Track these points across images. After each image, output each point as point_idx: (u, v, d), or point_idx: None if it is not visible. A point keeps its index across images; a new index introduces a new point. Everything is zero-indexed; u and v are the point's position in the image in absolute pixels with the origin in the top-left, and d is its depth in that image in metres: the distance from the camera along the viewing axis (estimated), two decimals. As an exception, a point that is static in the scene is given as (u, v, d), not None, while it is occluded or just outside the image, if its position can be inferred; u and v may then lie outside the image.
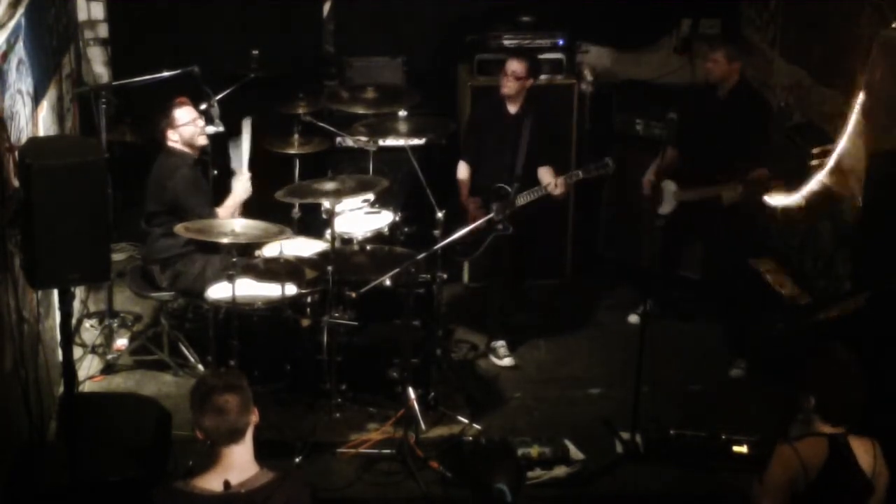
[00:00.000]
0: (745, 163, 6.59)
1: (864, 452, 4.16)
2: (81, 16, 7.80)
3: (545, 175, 6.82)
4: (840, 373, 4.17)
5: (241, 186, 6.57)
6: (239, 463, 3.73)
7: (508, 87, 6.78)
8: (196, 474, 3.78)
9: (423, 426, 6.06)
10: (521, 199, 6.70)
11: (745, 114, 6.67)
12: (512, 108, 6.86)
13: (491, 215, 6.60)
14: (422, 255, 5.97)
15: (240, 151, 6.73)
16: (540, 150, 6.87)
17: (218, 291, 6.19)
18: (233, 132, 6.72)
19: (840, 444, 4.14)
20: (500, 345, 6.89)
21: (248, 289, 6.07)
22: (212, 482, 3.69)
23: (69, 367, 4.90)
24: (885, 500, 4.21)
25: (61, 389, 5.65)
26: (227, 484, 3.65)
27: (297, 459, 5.73)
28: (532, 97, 6.87)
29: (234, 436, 3.72)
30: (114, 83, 7.18)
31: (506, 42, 7.67)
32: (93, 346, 6.77)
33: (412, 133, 6.61)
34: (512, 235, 6.69)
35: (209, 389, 3.72)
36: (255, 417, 3.78)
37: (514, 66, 6.77)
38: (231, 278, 5.85)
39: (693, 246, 7.21)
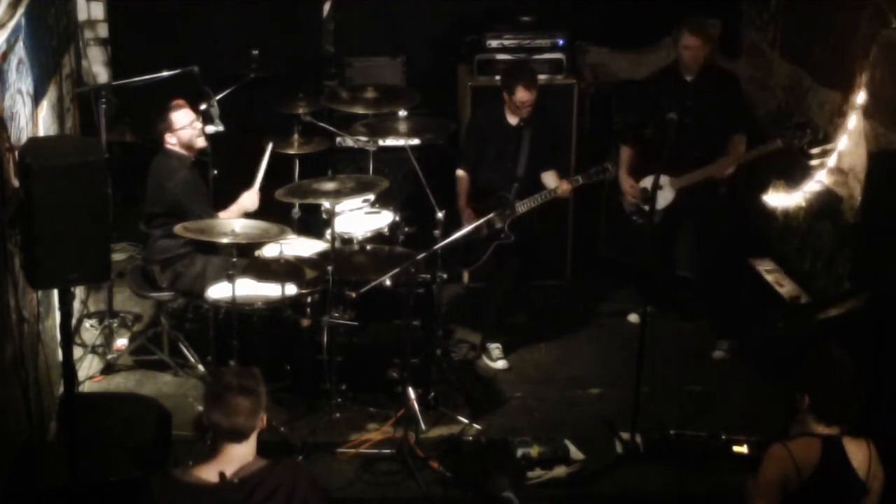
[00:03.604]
0: (731, 136, 6.73)
1: (858, 453, 4.17)
2: (81, 16, 7.80)
3: (550, 179, 6.81)
4: (834, 373, 4.17)
5: (249, 199, 6.58)
6: (237, 457, 3.77)
7: (527, 112, 6.73)
8: (196, 464, 3.82)
9: (423, 426, 6.07)
10: (527, 205, 6.69)
11: (719, 90, 6.78)
12: (512, 118, 6.84)
13: (490, 216, 6.59)
14: (422, 256, 5.97)
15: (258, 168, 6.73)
16: (541, 156, 6.86)
17: (218, 291, 6.20)
18: (233, 135, 6.71)
19: (834, 444, 4.15)
20: (495, 346, 6.89)
21: (248, 289, 6.07)
22: (209, 473, 3.74)
23: (69, 367, 4.90)
24: (881, 501, 4.21)
25: (61, 389, 5.65)
26: (222, 475, 3.71)
27: (297, 459, 5.73)
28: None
29: (236, 436, 3.76)
30: (114, 83, 7.18)
31: (506, 42, 7.68)
32: (93, 346, 6.77)
33: (412, 133, 6.61)
34: (514, 242, 6.69)
35: (225, 387, 3.76)
36: (262, 424, 3.81)
37: (530, 96, 6.66)
38: (231, 278, 5.85)
39: (691, 245, 7.21)
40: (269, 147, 6.72)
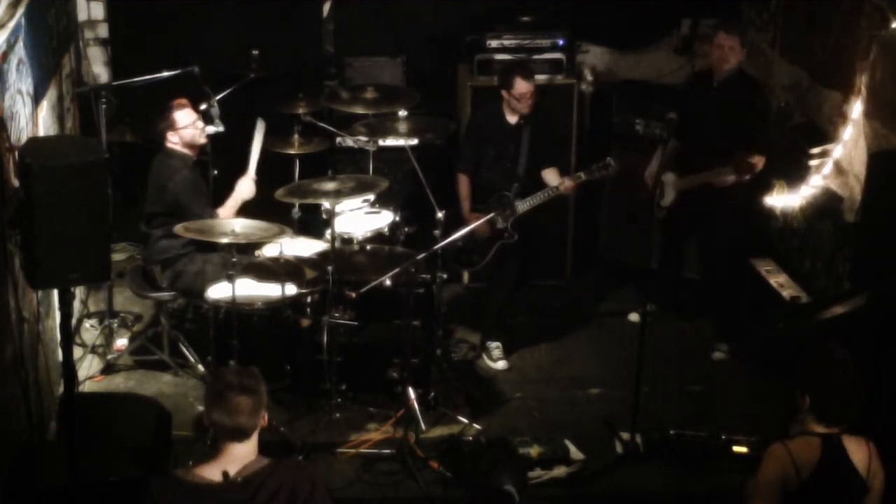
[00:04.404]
0: (742, 147, 6.60)
1: (858, 452, 4.17)
2: (81, 16, 7.80)
3: (551, 176, 6.81)
4: (836, 373, 4.17)
5: (245, 187, 6.57)
6: (240, 456, 3.78)
7: (527, 106, 6.71)
8: (198, 464, 3.83)
9: (423, 426, 6.06)
10: (529, 203, 6.68)
11: (742, 99, 6.68)
12: (511, 117, 6.84)
13: (491, 216, 6.59)
14: (422, 255, 5.98)
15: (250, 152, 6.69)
16: (541, 154, 6.85)
17: (218, 291, 6.20)
18: (233, 135, 6.71)
19: (833, 443, 4.15)
20: (495, 346, 6.89)
21: (248, 289, 6.07)
22: (211, 472, 3.75)
23: (69, 367, 4.90)
24: (882, 500, 4.21)
25: (61, 389, 5.65)
26: (225, 474, 3.72)
27: (297, 459, 5.73)
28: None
29: (239, 435, 3.77)
30: (114, 83, 7.17)
31: (506, 42, 7.68)
32: (93, 346, 6.77)
33: (412, 133, 6.60)
34: (517, 242, 6.69)
35: (226, 386, 3.77)
36: (263, 422, 3.83)
37: (529, 87, 6.64)
38: (231, 278, 5.85)
39: (693, 246, 7.22)
40: (261, 126, 6.67)
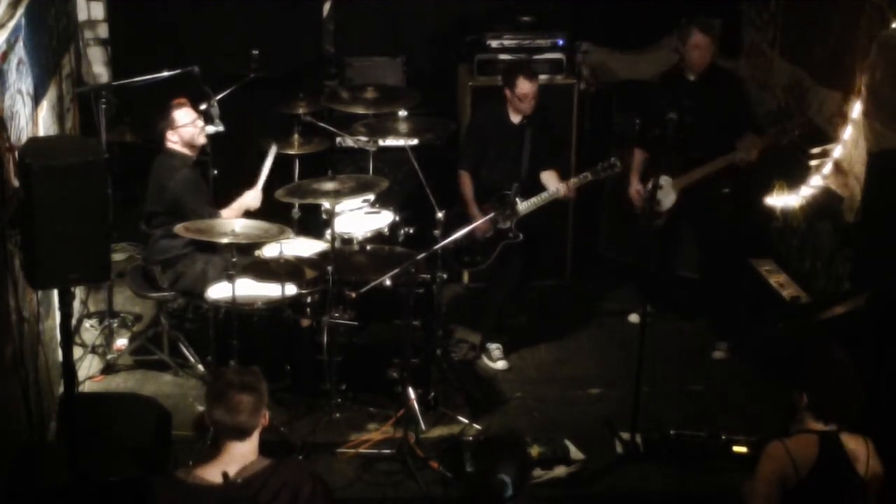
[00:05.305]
0: (737, 131, 6.71)
1: (856, 450, 4.17)
2: (81, 16, 7.80)
3: (550, 179, 6.80)
4: (835, 372, 4.18)
5: (252, 196, 6.56)
6: (240, 456, 3.79)
7: (530, 106, 6.72)
8: (198, 464, 3.83)
9: (423, 426, 6.07)
10: (528, 206, 6.68)
11: (720, 90, 6.79)
12: (514, 117, 6.84)
13: (491, 215, 6.59)
14: (422, 255, 5.98)
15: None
16: (543, 154, 6.86)
17: (218, 291, 6.20)
18: (233, 135, 6.71)
19: (832, 441, 4.15)
20: (495, 347, 6.89)
21: (248, 289, 6.07)
22: (212, 473, 3.75)
23: (69, 367, 4.90)
24: (880, 497, 4.21)
25: (61, 389, 5.65)
26: (225, 475, 3.72)
27: (297, 459, 5.73)
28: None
29: (240, 434, 3.78)
30: (114, 83, 7.17)
31: (506, 42, 7.68)
32: (93, 346, 6.77)
33: (412, 133, 6.61)
34: (521, 242, 6.68)
35: (227, 385, 3.79)
36: (264, 421, 3.84)
37: (532, 87, 6.66)
38: (231, 278, 5.85)
39: (692, 245, 7.22)
40: (274, 149, 6.71)
